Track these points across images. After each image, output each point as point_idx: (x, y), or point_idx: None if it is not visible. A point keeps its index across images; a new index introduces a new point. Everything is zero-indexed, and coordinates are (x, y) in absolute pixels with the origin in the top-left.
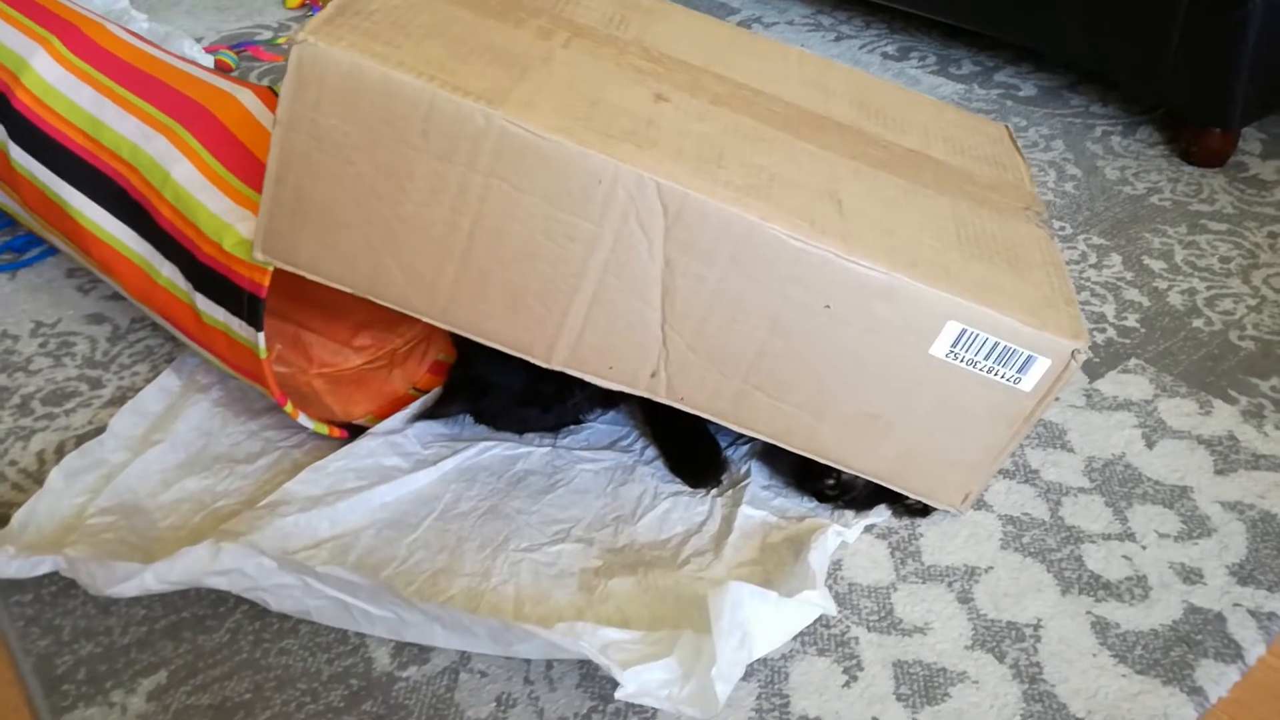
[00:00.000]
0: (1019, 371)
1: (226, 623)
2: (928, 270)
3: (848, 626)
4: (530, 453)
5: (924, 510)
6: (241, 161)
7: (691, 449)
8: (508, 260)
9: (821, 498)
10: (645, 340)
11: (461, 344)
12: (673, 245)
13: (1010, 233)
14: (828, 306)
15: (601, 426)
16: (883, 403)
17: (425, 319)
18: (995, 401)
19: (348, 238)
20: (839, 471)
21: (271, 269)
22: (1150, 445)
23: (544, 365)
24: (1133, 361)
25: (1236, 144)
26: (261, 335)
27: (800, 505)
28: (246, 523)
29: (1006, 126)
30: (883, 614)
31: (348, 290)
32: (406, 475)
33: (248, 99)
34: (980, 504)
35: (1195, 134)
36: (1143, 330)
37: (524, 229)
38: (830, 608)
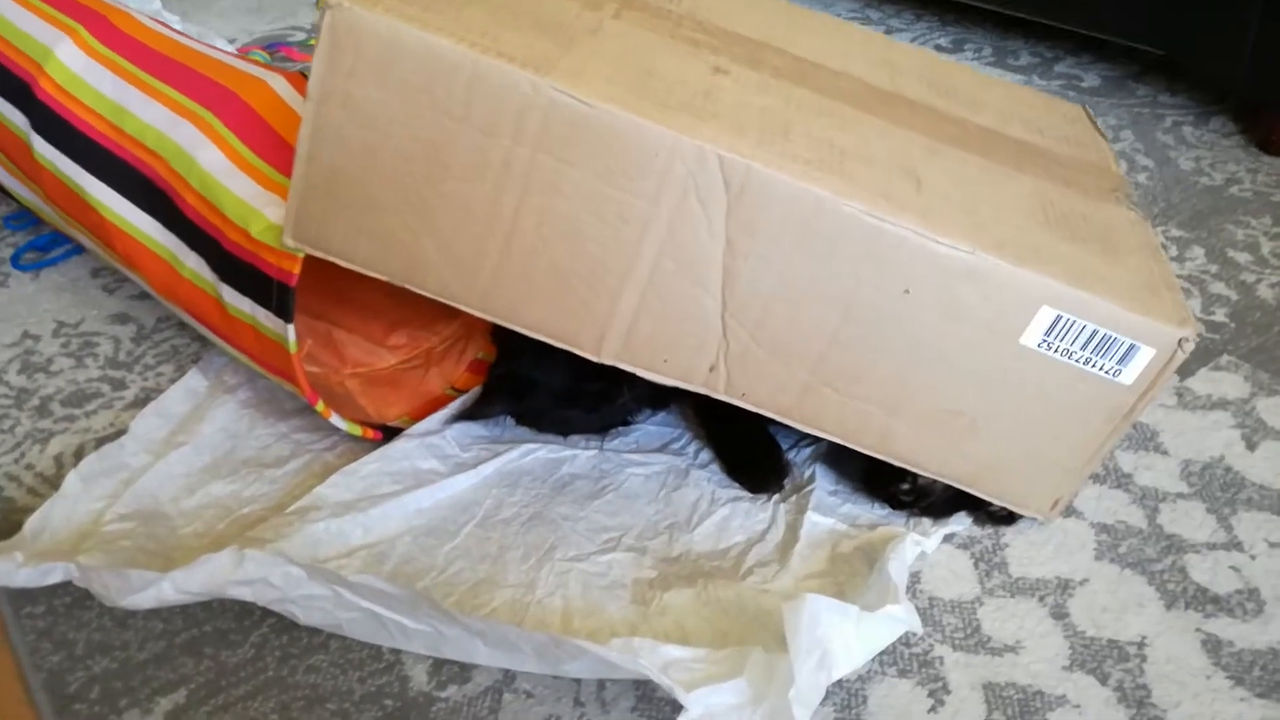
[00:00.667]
0: (1119, 363)
1: (251, 637)
2: (1017, 251)
3: (931, 645)
4: (576, 456)
5: (1009, 518)
6: (271, 146)
7: (750, 451)
8: (554, 242)
9: (895, 504)
10: (703, 330)
11: (502, 341)
12: (735, 225)
13: (1101, 215)
14: (906, 291)
15: (651, 428)
16: (966, 398)
17: (464, 308)
18: (1092, 396)
19: (383, 220)
20: (915, 475)
21: (302, 256)
22: (1251, 447)
23: (593, 358)
24: (1225, 358)
25: None
26: (291, 328)
27: (871, 512)
28: (274, 530)
29: (1084, 107)
30: (969, 631)
31: (383, 277)
32: (444, 479)
33: (279, 84)
34: (1069, 511)
35: (1275, 121)
36: (1233, 325)
37: (573, 207)
38: (915, 624)
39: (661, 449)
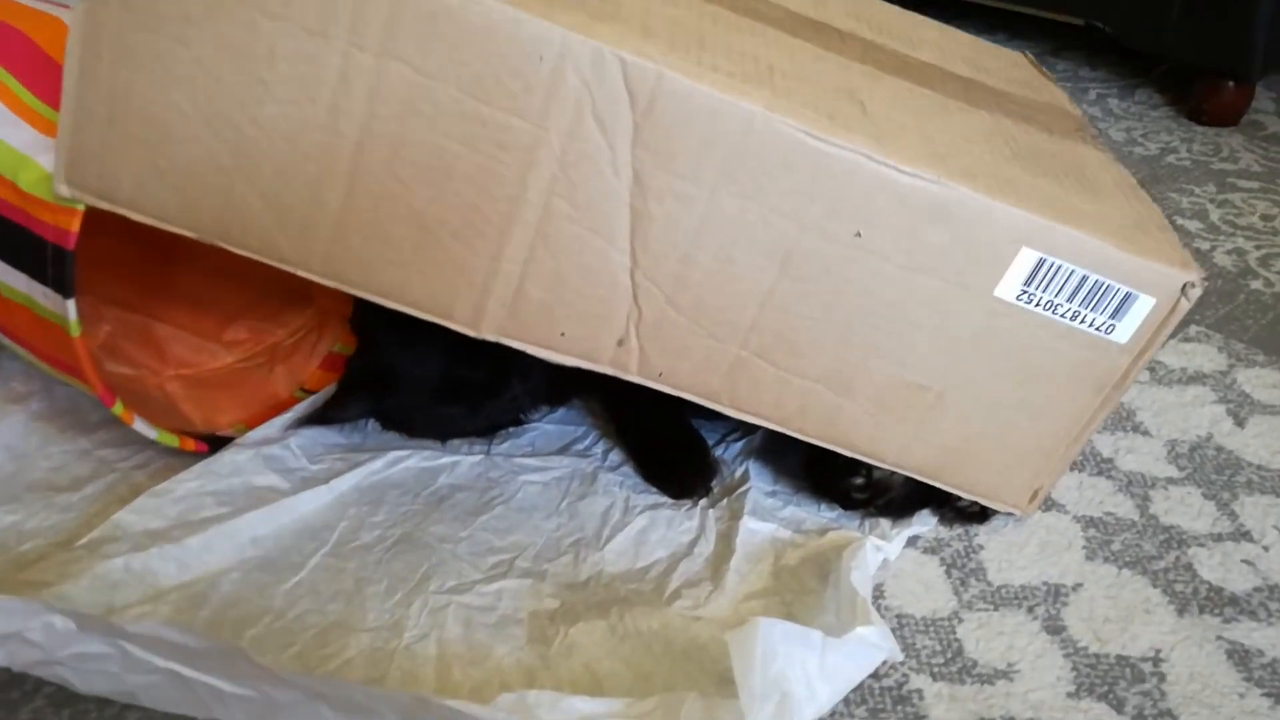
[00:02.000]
0: (1112, 317)
1: (20, 713)
2: (989, 183)
3: (905, 674)
4: (456, 463)
5: (981, 514)
6: (59, 88)
7: (671, 447)
8: (413, 181)
9: (847, 503)
10: (609, 293)
11: (362, 328)
12: (644, 152)
13: (1071, 153)
14: (858, 234)
15: (549, 427)
16: (931, 368)
17: (300, 272)
18: (1079, 359)
19: (185, 156)
20: (869, 467)
21: (82, 209)
22: (1240, 423)
23: (471, 334)
24: (1194, 329)
25: (1250, 101)
26: (71, 304)
27: (819, 514)
28: (56, 570)
29: (1025, 53)
30: (949, 654)
31: (189, 234)
32: (287, 498)
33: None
34: (1048, 504)
35: (1207, 90)
36: None
37: (435, 135)
38: (894, 650)
39: (562, 451)
